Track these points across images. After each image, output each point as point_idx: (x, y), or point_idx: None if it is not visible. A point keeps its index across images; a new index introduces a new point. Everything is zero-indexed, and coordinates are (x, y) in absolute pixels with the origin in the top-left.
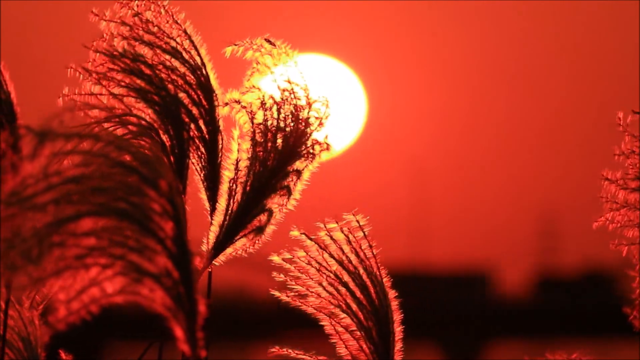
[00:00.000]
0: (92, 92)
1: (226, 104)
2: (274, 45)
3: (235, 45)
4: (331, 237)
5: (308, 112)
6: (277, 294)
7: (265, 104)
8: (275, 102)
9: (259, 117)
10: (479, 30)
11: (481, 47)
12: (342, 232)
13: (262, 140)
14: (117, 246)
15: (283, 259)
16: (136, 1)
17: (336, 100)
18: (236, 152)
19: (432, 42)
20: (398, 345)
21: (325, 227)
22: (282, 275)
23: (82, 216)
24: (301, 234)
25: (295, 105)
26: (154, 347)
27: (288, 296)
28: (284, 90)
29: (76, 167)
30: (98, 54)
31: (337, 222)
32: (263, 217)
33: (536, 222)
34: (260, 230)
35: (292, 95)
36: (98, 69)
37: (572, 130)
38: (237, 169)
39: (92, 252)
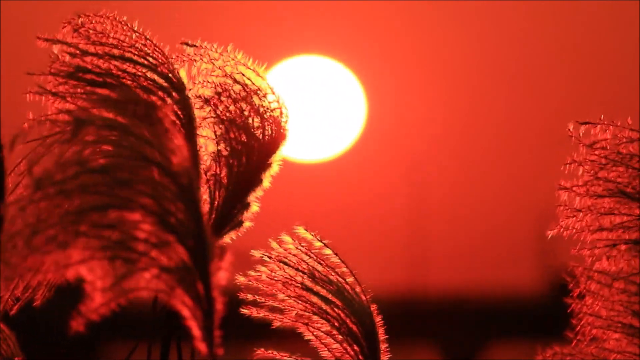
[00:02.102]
0: (60, 110)
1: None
2: (195, 46)
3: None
4: (288, 253)
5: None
6: (247, 312)
7: (220, 94)
8: (230, 93)
9: (220, 109)
10: (480, 32)
11: (481, 48)
12: (296, 247)
13: (235, 134)
14: (140, 242)
15: (249, 280)
16: (81, 18)
17: (335, 102)
18: (214, 144)
19: (433, 44)
20: (383, 346)
21: (279, 244)
22: (248, 296)
23: (108, 208)
24: (261, 256)
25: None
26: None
27: (260, 313)
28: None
29: (104, 157)
30: (53, 75)
31: (291, 238)
32: (245, 211)
33: (536, 223)
34: (239, 224)
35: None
36: (58, 88)
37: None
38: (216, 161)
39: (113, 245)
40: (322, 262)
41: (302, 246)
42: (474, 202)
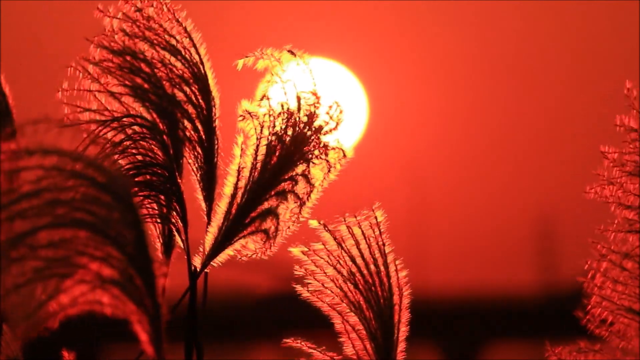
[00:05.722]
0: (90, 89)
1: (242, 117)
2: (294, 54)
3: (247, 57)
4: (351, 232)
5: (316, 117)
6: (298, 288)
7: (276, 115)
8: (286, 111)
9: (267, 127)
10: (480, 33)
11: (482, 49)
12: (360, 228)
13: (265, 145)
14: (78, 255)
15: (302, 252)
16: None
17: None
18: (239, 157)
19: (435, 47)
20: (401, 346)
21: (345, 221)
22: (302, 270)
23: (39, 229)
24: (320, 224)
25: (307, 112)
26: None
27: (309, 291)
28: (296, 98)
29: (29, 183)
30: (99, 49)
31: (355, 217)
32: (263, 221)
33: (535, 223)
34: (267, 233)
35: (302, 102)
36: (99, 64)
37: (572, 131)
38: (239, 173)
39: (52, 264)
40: (370, 250)
41: (365, 231)
42: (473, 202)
